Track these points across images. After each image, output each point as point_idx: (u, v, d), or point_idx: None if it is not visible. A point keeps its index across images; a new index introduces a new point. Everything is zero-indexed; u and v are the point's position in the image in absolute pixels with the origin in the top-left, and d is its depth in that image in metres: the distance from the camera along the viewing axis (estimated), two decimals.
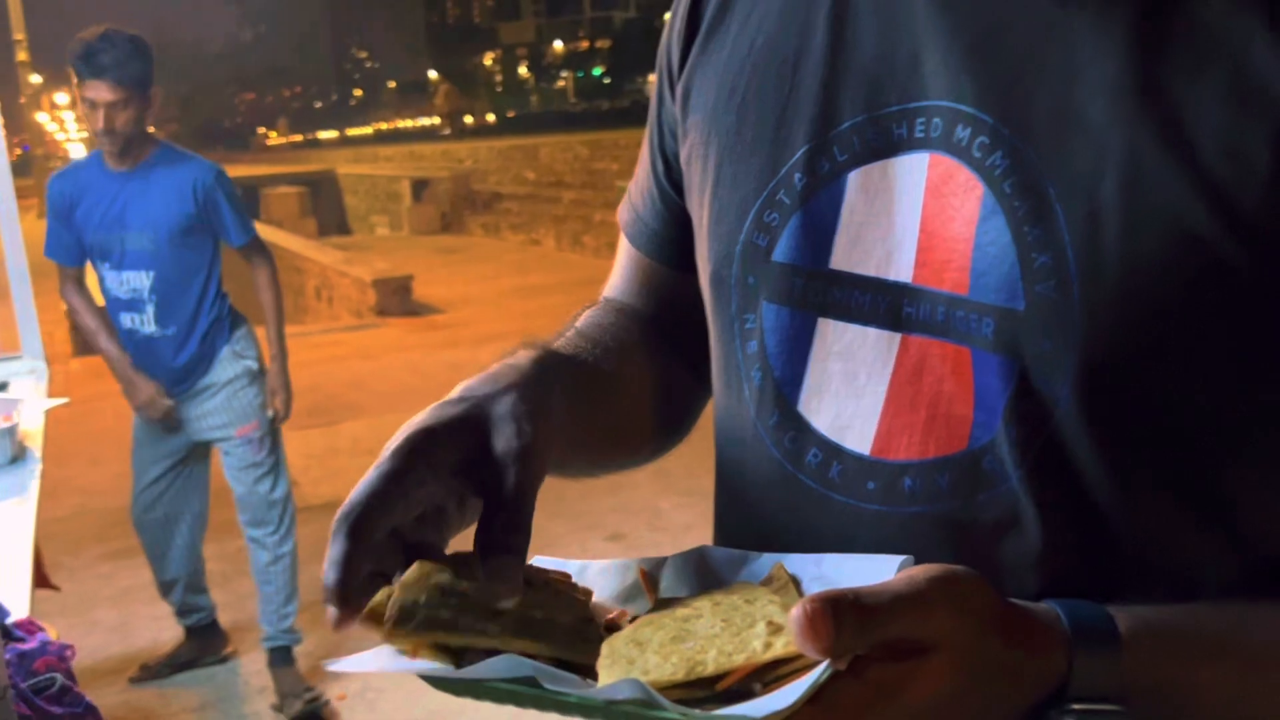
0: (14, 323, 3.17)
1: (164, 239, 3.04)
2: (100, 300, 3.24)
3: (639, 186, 0.87)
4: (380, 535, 0.56)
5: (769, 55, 0.71)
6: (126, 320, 3.10)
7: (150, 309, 3.08)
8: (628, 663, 0.49)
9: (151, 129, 3.20)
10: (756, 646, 0.48)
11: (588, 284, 0.94)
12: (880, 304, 0.64)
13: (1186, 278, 0.55)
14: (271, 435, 3.24)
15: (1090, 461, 0.58)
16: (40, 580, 2.81)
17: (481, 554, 0.56)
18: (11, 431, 2.00)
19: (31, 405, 2.32)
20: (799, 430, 0.67)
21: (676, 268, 0.83)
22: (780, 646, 0.47)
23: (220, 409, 3.18)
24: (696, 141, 0.75)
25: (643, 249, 0.87)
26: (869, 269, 0.65)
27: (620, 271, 0.90)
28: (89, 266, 3.18)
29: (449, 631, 0.53)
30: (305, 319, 12.33)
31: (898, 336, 0.63)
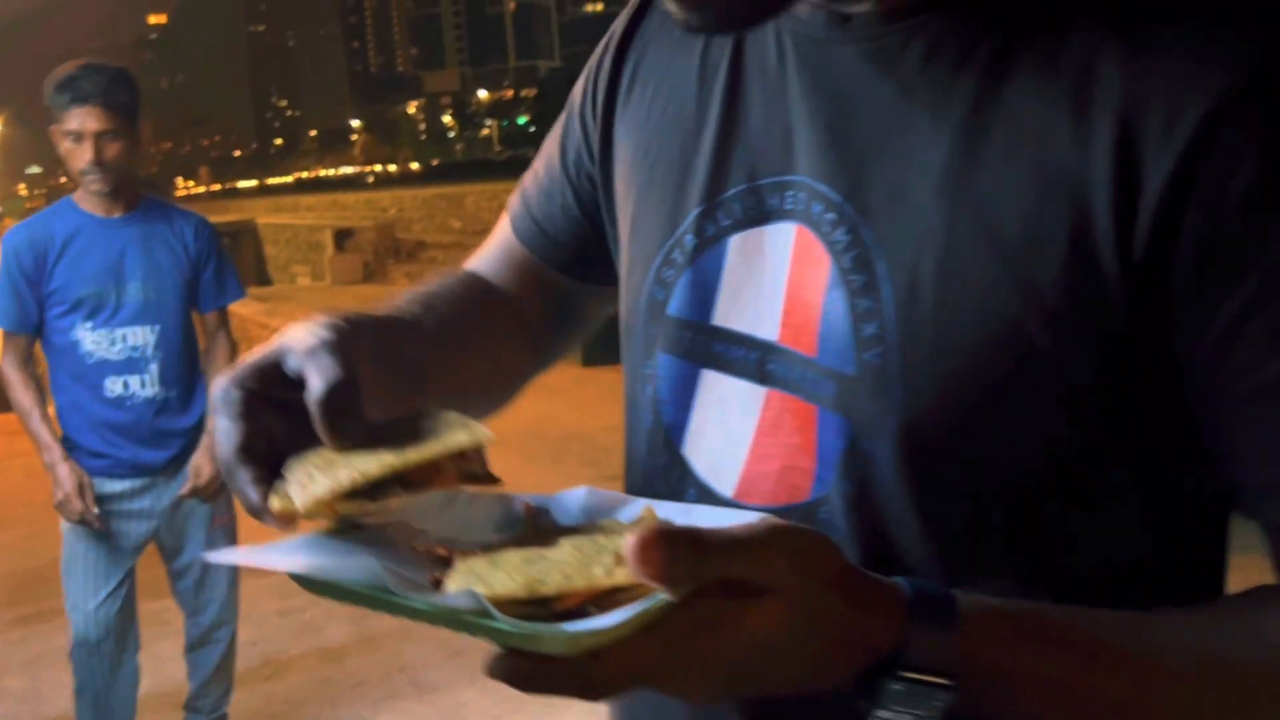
0: None
1: (169, 291, 2.77)
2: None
3: (539, 188, 0.91)
4: (261, 453, 0.61)
5: (677, 120, 0.76)
6: (115, 385, 2.74)
7: (154, 367, 2.76)
8: (476, 578, 0.52)
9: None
10: (599, 573, 0.50)
11: None
12: (750, 359, 0.70)
13: (994, 351, 0.60)
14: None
15: (909, 518, 0.63)
16: None
17: (320, 425, 0.59)
18: None
19: None
20: (682, 472, 0.73)
21: (556, 269, 0.90)
22: (621, 575, 0.49)
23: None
24: (619, 194, 0.81)
25: (527, 245, 0.91)
26: (743, 326, 0.70)
27: (491, 253, 0.94)
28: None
29: (352, 482, 0.57)
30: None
31: (762, 390, 0.69)
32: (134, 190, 2.84)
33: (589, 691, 0.49)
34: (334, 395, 0.59)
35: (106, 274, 2.72)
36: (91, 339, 2.72)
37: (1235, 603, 0.62)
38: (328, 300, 15.35)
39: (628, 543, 0.47)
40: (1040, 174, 0.59)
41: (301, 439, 0.61)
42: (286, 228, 26.45)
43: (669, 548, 0.47)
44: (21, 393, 2.75)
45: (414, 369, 0.73)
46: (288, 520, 0.58)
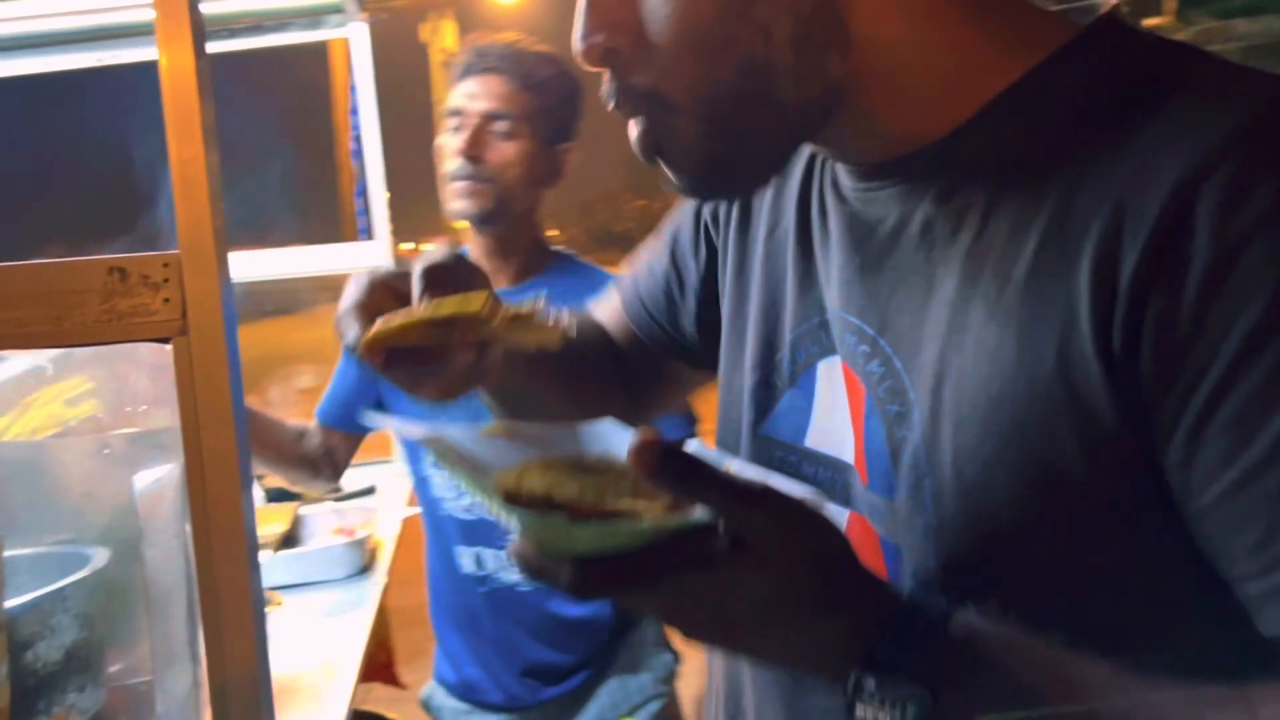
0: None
1: None
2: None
3: (647, 264, 0.99)
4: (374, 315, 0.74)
5: (781, 248, 0.81)
6: (467, 560, 1.76)
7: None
8: (520, 472, 0.59)
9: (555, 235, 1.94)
10: (610, 495, 0.56)
11: None
12: (836, 481, 0.73)
13: (1007, 468, 0.61)
14: None
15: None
16: (389, 678, 2.91)
17: (414, 276, 0.75)
18: (361, 544, 2.05)
19: (390, 513, 2.39)
20: None
21: (646, 337, 0.99)
22: (625, 503, 0.56)
23: None
24: (724, 304, 0.88)
25: (626, 306, 1.01)
26: (830, 449, 0.74)
27: (605, 305, 1.05)
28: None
29: (425, 310, 0.71)
30: None
31: (846, 512, 0.72)
32: (537, 245, 1.82)
33: (576, 588, 0.54)
34: (435, 265, 0.74)
35: None
36: (440, 479, 1.77)
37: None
38: None
39: (633, 439, 0.53)
40: (1030, 294, 0.61)
41: None
42: None
43: (664, 451, 0.52)
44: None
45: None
46: (370, 350, 0.71)
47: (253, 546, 0.96)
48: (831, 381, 0.74)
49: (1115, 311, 0.57)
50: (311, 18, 2.65)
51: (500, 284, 1.78)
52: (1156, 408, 0.57)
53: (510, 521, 0.57)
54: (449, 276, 0.74)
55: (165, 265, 0.91)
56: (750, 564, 0.55)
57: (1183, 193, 0.55)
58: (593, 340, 1.01)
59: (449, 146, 1.73)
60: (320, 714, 1.44)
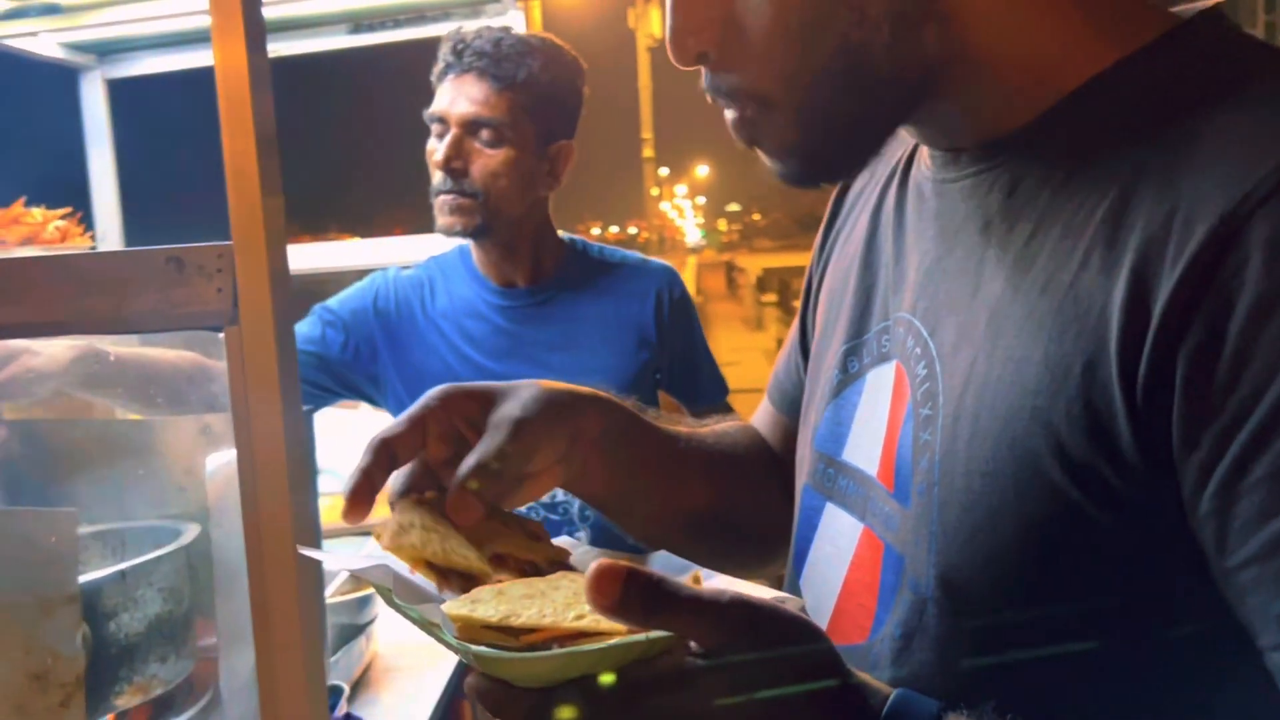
0: None
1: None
2: None
3: (784, 350, 0.98)
4: (403, 460, 0.70)
5: (850, 262, 0.80)
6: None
7: (584, 537, 1.58)
8: (472, 601, 0.56)
9: (563, 234, 1.76)
10: (570, 615, 0.53)
11: None
12: (859, 495, 0.71)
13: (1017, 488, 0.57)
14: None
15: (949, 656, 0.61)
16: None
17: (450, 493, 0.67)
18: None
19: None
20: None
21: (794, 420, 0.92)
22: (588, 621, 0.52)
23: None
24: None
25: (772, 401, 0.99)
26: (860, 462, 0.72)
27: (758, 413, 1.02)
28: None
29: (434, 551, 0.64)
30: None
31: (861, 526, 0.70)
32: (545, 243, 1.71)
33: None
34: (477, 472, 0.67)
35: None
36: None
37: None
38: None
39: (588, 572, 0.49)
40: (1067, 303, 0.57)
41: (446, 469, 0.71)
42: None
43: (626, 582, 0.49)
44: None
45: (626, 461, 0.81)
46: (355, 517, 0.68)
47: (303, 535, 0.98)
48: (877, 391, 0.71)
49: (1146, 336, 0.53)
50: (472, 7, 2.70)
51: (517, 285, 1.73)
52: (1189, 450, 0.52)
53: (466, 656, 0.53)
54: (492, 482, 0.68)
55: (219, 256, 0.93)
56: (730, 680, 0.51)
57: (1233, 219, 0.51)
58: (749, 447, 0.98)
59: (431, 157, 1.62)
60: (420, 690, 1.47)
